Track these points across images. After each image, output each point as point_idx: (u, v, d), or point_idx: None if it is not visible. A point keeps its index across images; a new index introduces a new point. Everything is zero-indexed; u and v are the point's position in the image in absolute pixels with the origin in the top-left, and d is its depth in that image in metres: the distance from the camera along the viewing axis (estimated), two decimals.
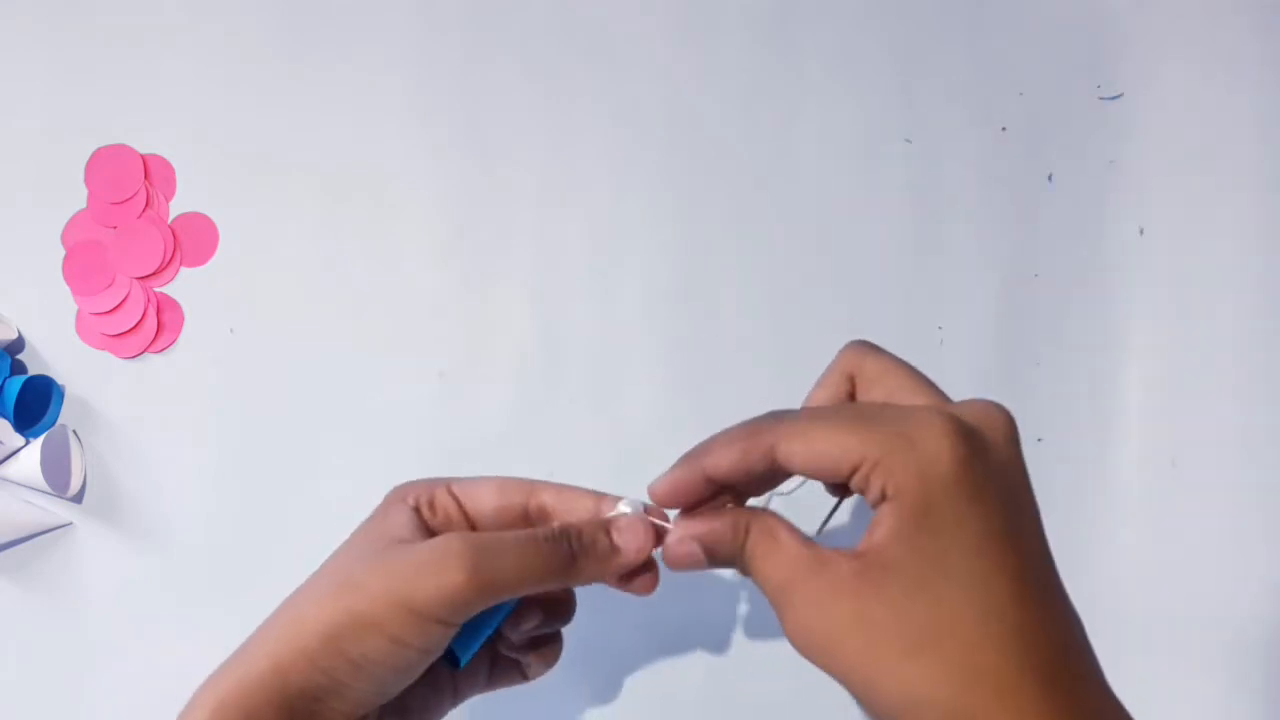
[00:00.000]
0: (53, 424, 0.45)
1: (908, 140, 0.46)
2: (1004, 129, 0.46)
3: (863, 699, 0.28)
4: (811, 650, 0.29)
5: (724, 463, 0.30)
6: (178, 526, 0.45)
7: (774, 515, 0.30)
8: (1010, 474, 0.29)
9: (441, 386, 0.45)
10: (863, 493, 0.29)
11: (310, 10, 0.47)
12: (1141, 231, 0.45)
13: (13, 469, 0.44)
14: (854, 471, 0.28)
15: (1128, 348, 0.45)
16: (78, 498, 0.45)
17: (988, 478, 0.28)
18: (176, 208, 0.47)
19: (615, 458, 0.44)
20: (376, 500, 0.45)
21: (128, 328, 0.46)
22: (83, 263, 0.46)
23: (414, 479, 0.34)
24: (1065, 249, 0.45)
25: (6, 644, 0.45)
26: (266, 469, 0.45)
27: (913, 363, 0.45)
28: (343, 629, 0.29)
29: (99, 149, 0.47)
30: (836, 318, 0.45)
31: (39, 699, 0.44)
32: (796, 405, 0.44)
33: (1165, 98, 0.46)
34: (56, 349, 0.46)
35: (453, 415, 0.43)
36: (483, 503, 0.34)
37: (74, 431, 0.46)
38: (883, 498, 0.28)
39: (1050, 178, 0.46)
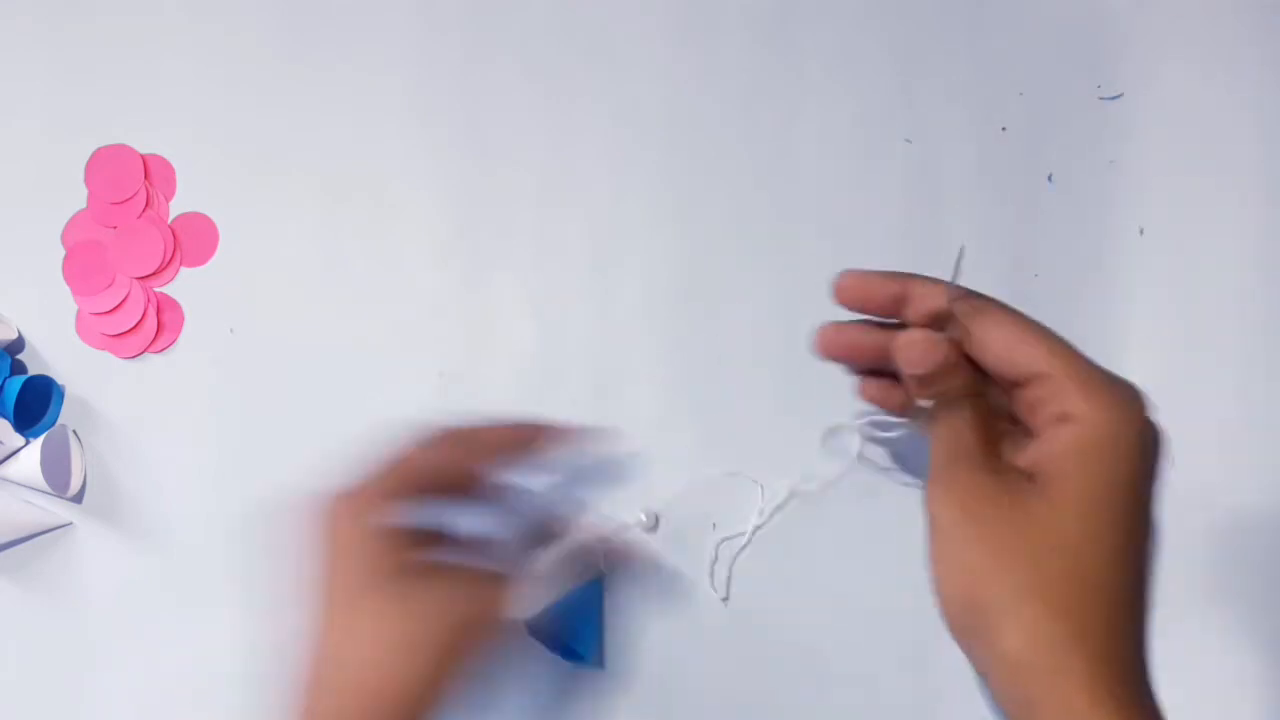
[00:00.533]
0: (53, 424, 0.45)
1: (908, 140, 0.46)
2: (1004, 129, 0.46)
3: (959, 579, 0.29)
4: (944, 518, 0.29)
5: (927, 299, 0.31)
6: (178, 526, 0.45)
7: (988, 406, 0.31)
8: (1158, 479, 0.30)
9: (441, 386, 0.45)
10: (1025, 406, 0.30)
11: (310, 10, 0.47)
12: (1141, 231, 0.45)
13: (13, 469, 0.44)
14: (1035, 380, 0.29)
15: (1128, 348, 0.45)
16: (78, 498, 0.45)
17: (1156, 463, 0.29)
18: (176, 208, 0.47)
19: (616, 458, 0.44)
20: None
21: (128, 328, 0.46)
22: (83, 263, 0.47)
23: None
24: (1065, 249, 0.45)
25: (6, 644, 0.45)
26: (266, 469, 0.45)
27: None
28: None
29: (99, 149, 0.47)
30: (836, 318, 0.45)
31: (39, 699, 0.44)
32: (798, 406, 0.44)
33: (1165, 98, 0.46)
34: (56, 349, 0.46)
35: (453, 415, 0.43)
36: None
37: (74, 431, 0.46)
38: (1062, 419, 0.28)
39: (1050, 178, 0.46)
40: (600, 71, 0.47)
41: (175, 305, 0.46)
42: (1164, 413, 0.41)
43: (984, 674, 0.29)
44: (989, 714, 0.42)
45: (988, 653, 0.29)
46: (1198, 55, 0.46)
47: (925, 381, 0.31)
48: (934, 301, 0.31)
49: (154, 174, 0.47)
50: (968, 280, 0.45)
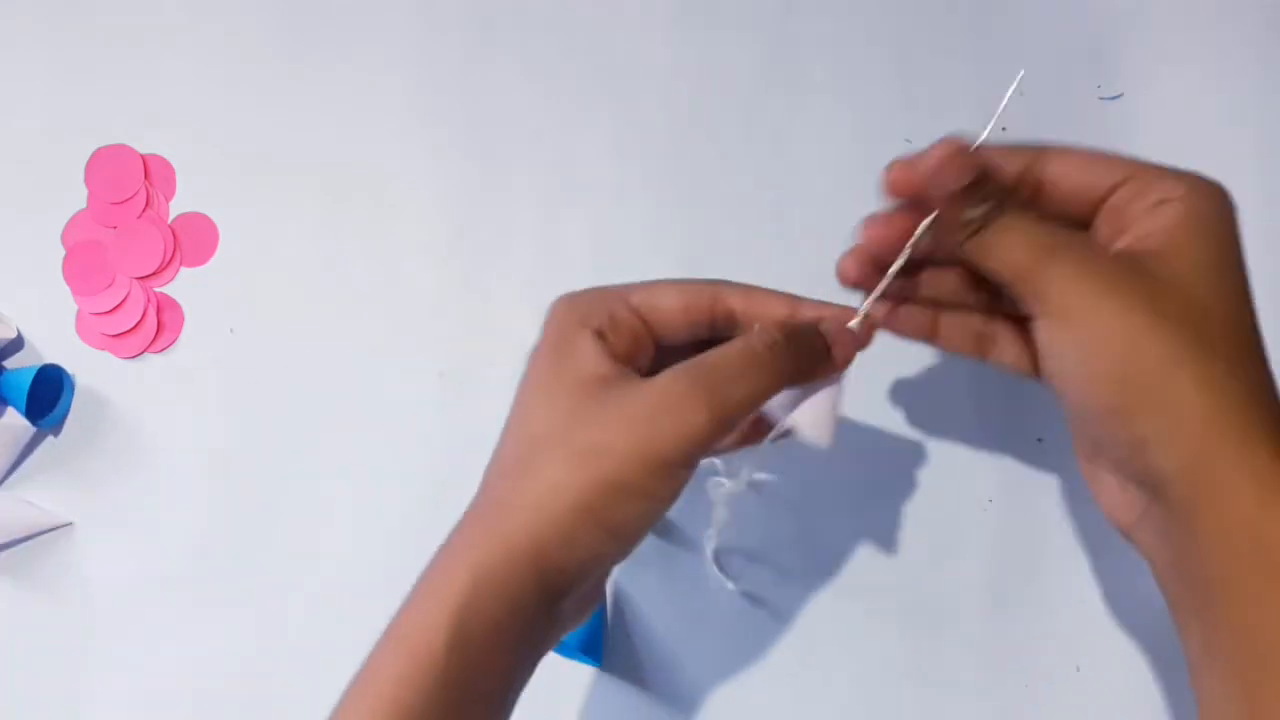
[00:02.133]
0: (64, 414, 0.45)
1: (908, 140, 0.46)
2: (1004, 129, 0.46)
3: (1116, 353, 0.28)
4: (1074, 295, 0.28)
5: (999, 159, 0.31)
6: (178, 526, 0.45)
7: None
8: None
9: (441, 386, 0.45)
10: (1120, 211, 0.30)
11: (310, 10, 0.47)
12: None
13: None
14: (1121, 184, 0.30)
15: None
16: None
17: (1238, 235, 0.30)
18: (176, 208, 0.47)
19: None
20: (375, 498, 0.45)
21: (128, 328, 0.46)
22: (83, 263, 0.47)
23: (576, 291, 0.33)
24: None
25: (6, 644, 0.45)
26: (266, 469, 0.45)
27: (912, 363, 0.45)
28: (601, 499, 0.28)
29: (99, 149, 0.47)
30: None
31: (39, 699, 0.44)
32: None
33: (1165, 98, 0.46)
34: (56, 349, 0.46)
35: (453, 415, 0.43)
36: (666, 313, 0.33)
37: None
38: (1162, 203, 0.29)
39: None
40: (600, 71, 0.47)
41: (175, 305, 0.46)
42: None
43: (1142, 447, 0.28)
44: (988, 693, 0.42)
45: (1153, 419, 0.28)
46: (1198, 55, 0.46)
47: (970, 190, 0.30)
48: (994, 154, 0.31)
49: (154, 174, 0.47)
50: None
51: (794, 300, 0.34)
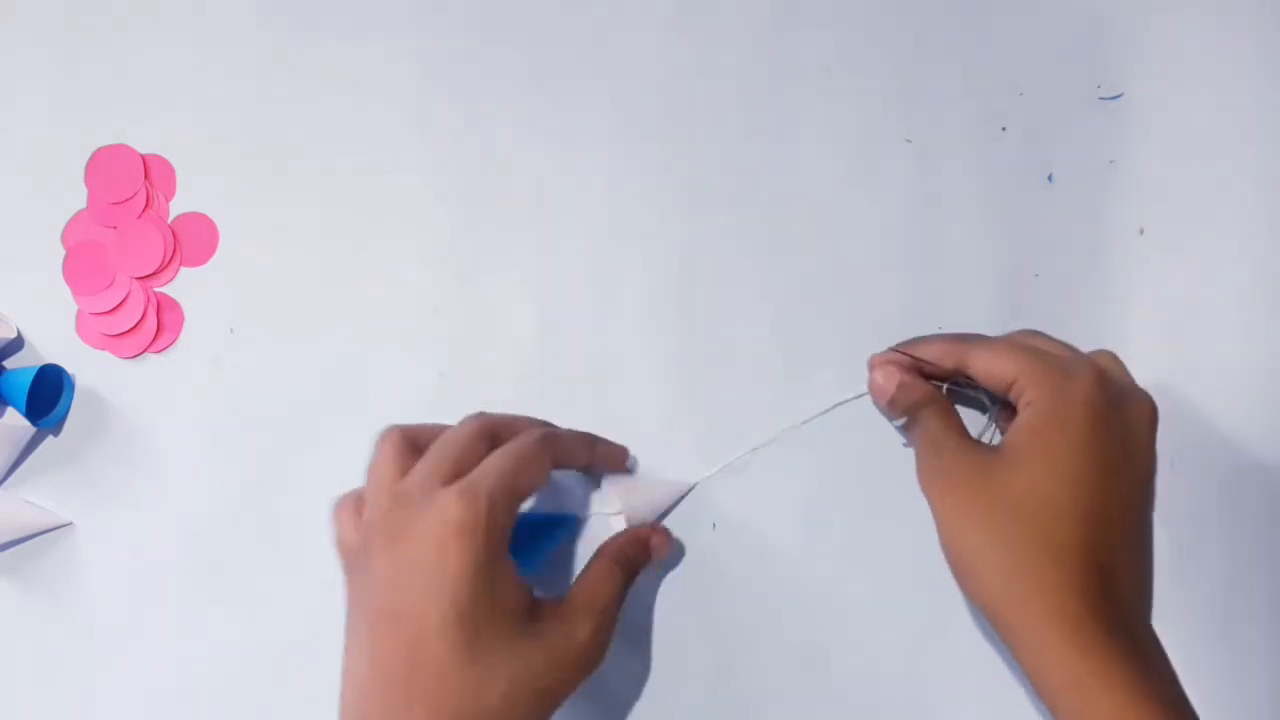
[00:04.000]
0: (64, 415, 0.45)
1: (908, 140, 0.46)
2: (1004, 129, 0.46)
3: (948, 536, 0.37)
4: (932, 492, 0.38)
5: (927, 350, 0.41)
6: (178, 526, 0.45)
7: (951, 407, 0.41)
8: (1133, 440, 0.37)
9: (441, 386, 0.45)
10: (1015, 402, 0.38)
11: (311, 10, 0.47)
12: (1141, 231, 0.45)
13: None
14: (1011, 385, 0.37)
15: (1128, 348, 0.45)
16: None
17: (1109, 426, 0.36)
18: (176, 208, 0.47)
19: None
20: None
21: (128, 328, 0.46)
22: (83, 263, 0.47)
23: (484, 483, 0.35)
24: (1065, 249, 0.45)
25: (6, 644, 0.45)
26: (266, 469, 0.45)
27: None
28: None
29: (99, 149, 0.47)
30: (836, 317, 0.45)
31: (38, 699, 0.44)
32: (795, 403, 0.44)
33: (1165, 98, 0.46)
34: (56, 349, 0.46)
35: (453, 415, 0.43)
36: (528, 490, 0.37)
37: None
38: (1025, 404, 0.37)
39: (1050, 178, 0.46)
40: (600, 71, 0.47)
41: (175, 305, 0.46)
42: (1163, 414, 0.42)
43: (979, 610, 0.36)
44: (988, 693, 0.42)
45: (975, 593, 0.36)
46: (1198, 55, 0.46)
47: (892, 405, 0.41)
48: (930, 350, 0.41)
49: (154, 174, 0.47)
50: (968, 280, 0.45)
51: (593, 442, 0.42)
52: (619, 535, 0.41)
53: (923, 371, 0.41)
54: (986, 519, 0.35)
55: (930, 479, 0.38)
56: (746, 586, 0.43)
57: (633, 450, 0.44)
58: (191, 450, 0.45)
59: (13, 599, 0.45)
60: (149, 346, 0.46)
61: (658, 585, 0.44)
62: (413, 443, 0.37)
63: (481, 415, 0.38)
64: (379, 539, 0.34)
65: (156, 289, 0.46)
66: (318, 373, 0.46)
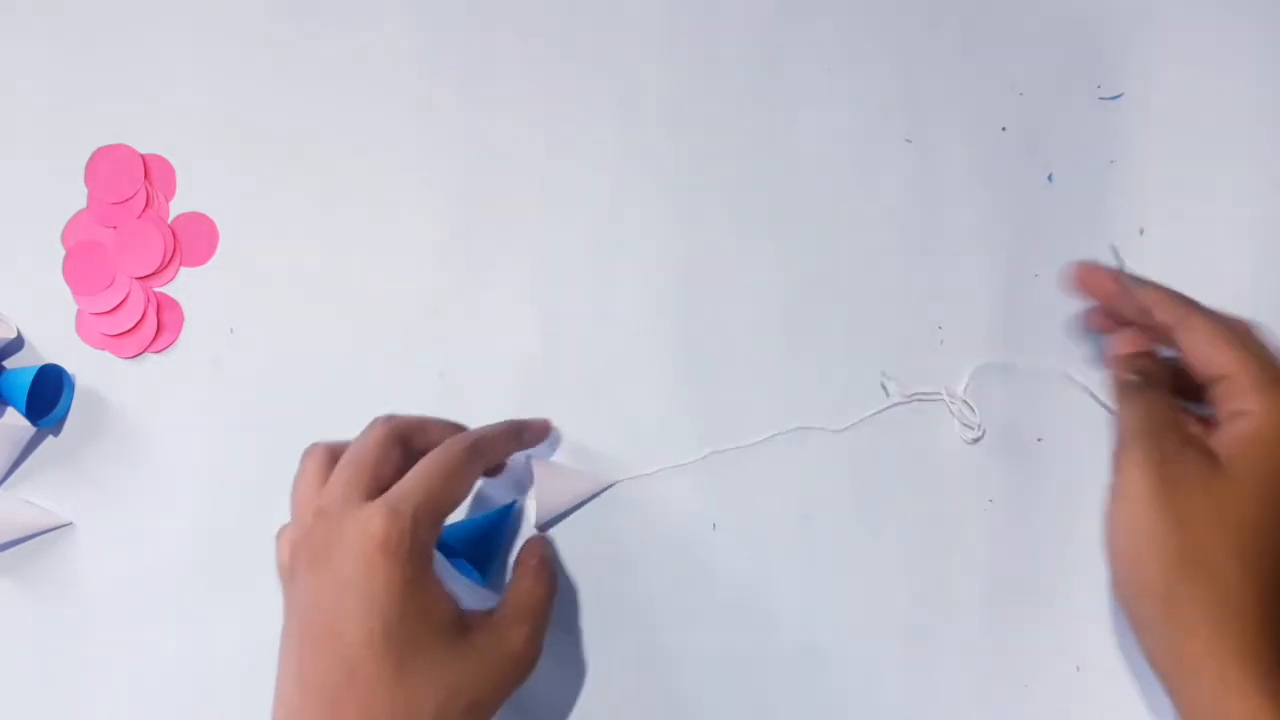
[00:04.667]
0: (64, 414, 0.46)
1: (908, 140, 0.46)
2: (1004, 129, 0.46)
3: (1144, 541, 0.33)
4: (1143, 485, 0.34)
5: (1144, 302, 0.37)
6: (178, 526, 0.45)
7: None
8: None
9: (441, 386, 0.45)
10: (1214, 400, 0.34)
11: (311, 10, 0.47)
12: (1141, 231, 0.45)
13: None
14: (1223, 379, 0.34)
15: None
16: None
17: None
18: (176, 208, 0.47)
19: (616, 457, 0.44)
20: None
21: (128, 328, 0.46)
22: (83, 263, 0.47)
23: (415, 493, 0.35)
24: (1065, 249, 0.45)
25: (6, 644, 0.45)
26: (266, 469, 0.45)
27: (913, 363, 0.45)
28: None
29: (99, 149, 0.47)
30: (836, 317, 0.45)
31: (38, 699, 0.44)
32: (795, 403, 0.44)
33: (1165, 98, 0.46)
34: (56, 349, 0.46)
35: (453, 415, 0.43)
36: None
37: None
38: (1239, 414, 0.33)
39: (1050, 178, 0.46)
40: (600, 71, 0.47)
41: (175, 305, 0.46)
42: None
43: (1143, 629, 0.34)
44: (988, 693, 0.42)
45: (1152, 610, 0.33)
46: (1198, 55, 0.46)
47: (1117, 363, 0.38)
48: (1149, 297, 0.37)
49: (154, 174, 0.47)
50: (968, 280, 0.45)
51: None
52: (536, 540, 0.41)
53: (1118, 313, 0.39)
54: (1199, 534, 0.33)
55: (1142, 466, 0.34)
56: (746, 586, 0.43)
57: (633, 449, 0.44)
58: (191, 450, 0.45)
59: (13, 599, 0.45)
60: (149, 346, 0.46)
61: (658, 585, 0.44)
62: (336, 457, 0.37)
63: (390, 419, 0.38)
64: (304, 557, 0.34)
65: (156, 289, 0.46)
66: (317, 373, 0.46)
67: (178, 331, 0.46)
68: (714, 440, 0.44)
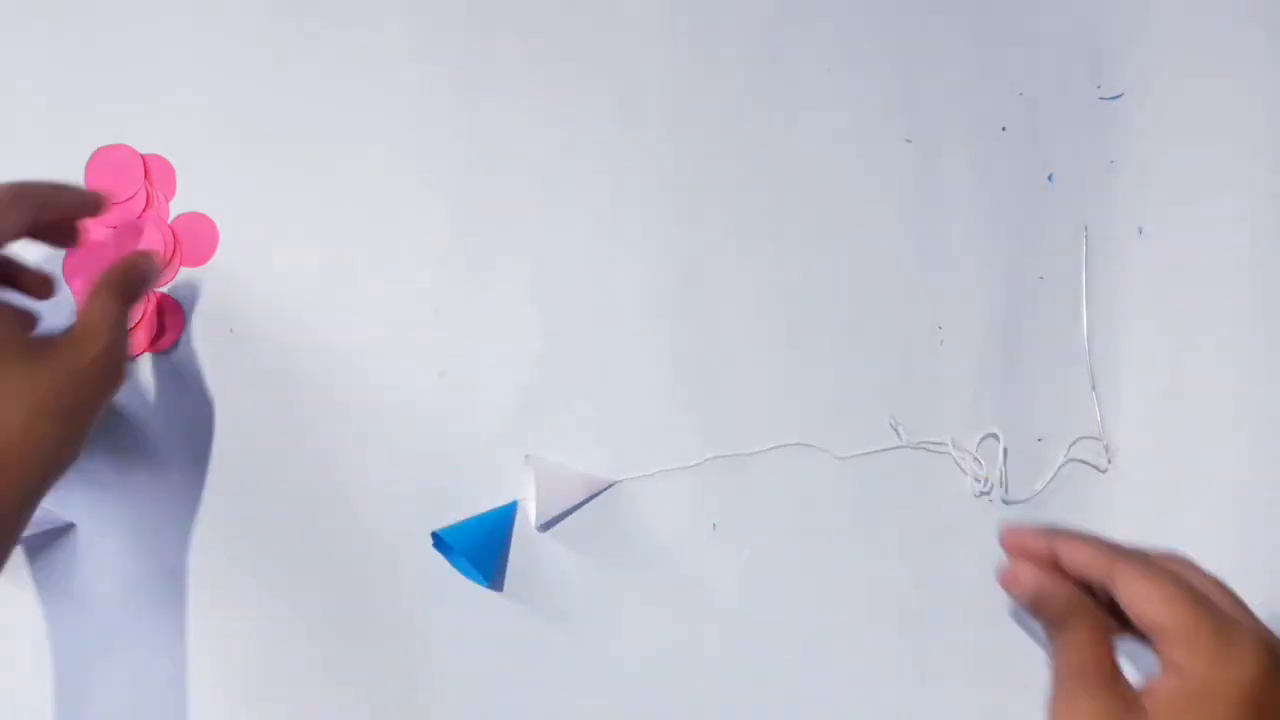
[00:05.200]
0: None
1: (908, 140, 0.46)
2: (1004, 129, 0.46)
3: None
4: None
5: (1073, 558, 0.35)
6: (178, 527, 0.45)
7: (1101, 618, 0.36)
8: None
9: (441, 386, 0.45)
10: (1154, 647, 0.33)
11: (311, 10, 0.47)
12: (1141, 231, 0.45)
13: None
14: (1157, 631, 0.33)
15: (1128, 348, 0.45)
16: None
17: (1267, 715, 0.32)
18: (176, 208, 0.47)
19: (616, 457, 0.44)
20: (373, 499, 0.45)
21: None
22: (83, 262, 0.47)
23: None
24: (1065, 249, 0.45)
25: (7, 644, 0.45)
26: (266, 469, 0.45)
27: (912, 363, 0.45)
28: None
29: (99, 149, 0.47)
30: (836, 318, 0.45)
31: (38, 699, 0.44)
32: (795, 405, 0.44)
33: (1165, 98, 0.46)
34: None
35: (453, 415, 0.43)
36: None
37: None
38: (1170, 668, 0.32)
39: (1050, 178, 0.46)
40: (600, 71, 0.47)
41: (175, 305, 0.46)
42: (1164, 413, 0.42)
43: None
44: (988, 693, 0.42)
45: None
46: (1198, 55, 0.46)
47: (1034, 609, 0.37)
48: (1077, 558, 0.36)
49: (154, 174, 0.47)
50: (968, 280, 0.45)
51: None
52: (122, 264, 0.42)
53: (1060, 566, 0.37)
54: None
55: (1063, 713, 0.34)
56: (746, 586, 0.44)
57: (633, 450, 0.44)
58: (191, 450, 0.45)
59: (13, 599, 0.45)
60: (149, 346, 0.46)
61: (658, 585, 0.44)
62: None
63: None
64: None
65: (156, 289, 0.46)
66: (317, 373, 0.46)
67: (178, 331, 0.46)
68: (713, 440, 0.44)
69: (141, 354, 0.46)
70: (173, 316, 0.46)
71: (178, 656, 0.44)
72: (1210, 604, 0.33)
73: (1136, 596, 0.34)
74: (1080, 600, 0.36)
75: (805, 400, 0.44)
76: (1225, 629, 0.32)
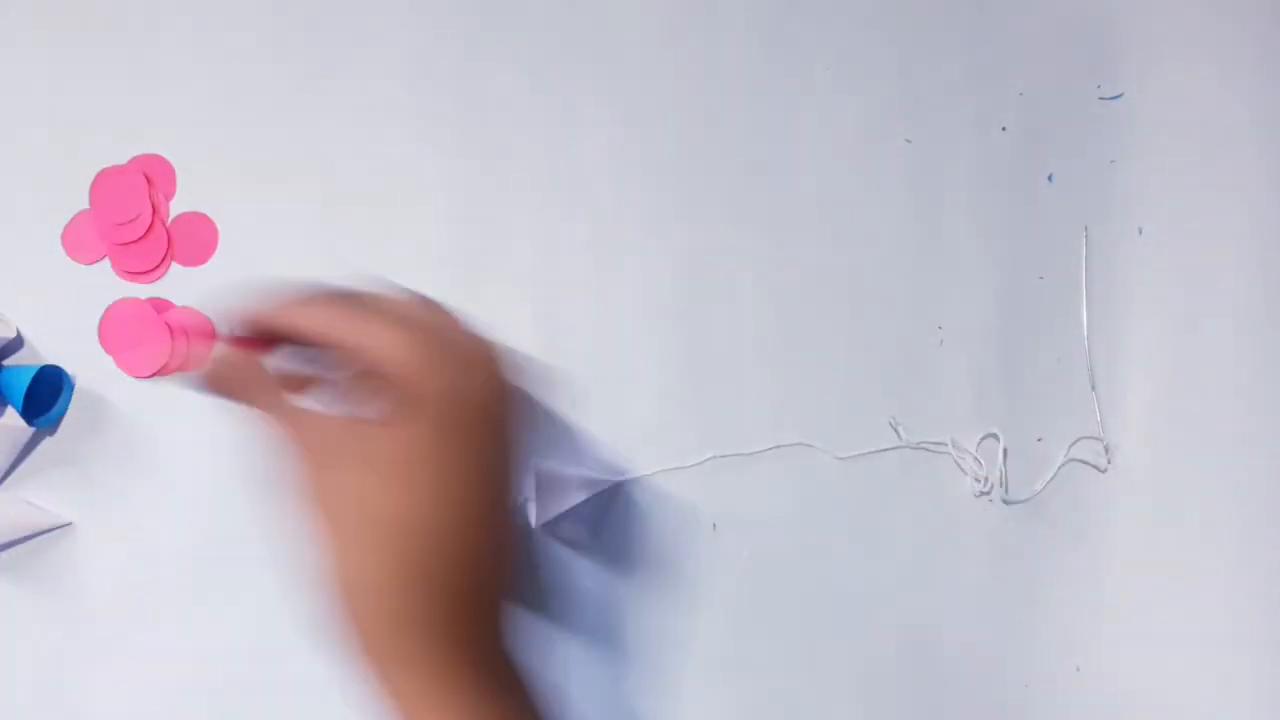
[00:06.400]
0: (62, 415, 0.45)
1: (908, 140, 0.46)
2: (1004, 129, 0.46)
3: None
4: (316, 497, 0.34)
5: (305, 328, 0.34)
6: (178, 527, 0.45)
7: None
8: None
9: None
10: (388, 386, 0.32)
11: (311, 11, 0.47)
12: (1141, 231, 0.45)
13: None
14: (397, 365, 0.32)
15: (1128, 348, 0.45)
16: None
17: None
18: (176, 208, 0.47)
19: (616, 458, 0.44)
20: None
21: None
22: (120, 333, 0.46)
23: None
24: (1065, 249, 0.45)
25: (5, 644, 0.45)
26: (266, 469, 0.45)
27: (912, 363, 0.45)
28: None
29: (103, 170, 0.47)
30: (836, 317, 0.45)
31: (38, 699, 0.44)
32: (795, 405, 0.44)
33: (1165, 98, 0.46)
34: (57, 349, 0.46)
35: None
36: None
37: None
38: (414, 400, 0.31)
39: (1050, 178, 0.46)
40: (600, 71, 0.47)
41: (174, 306, 0.46)
42: (1164, 413, 0.42)
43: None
44: (988, 693, 0.42)
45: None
46: (1198, 55, 0.46)
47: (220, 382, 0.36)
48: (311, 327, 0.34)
49: (154, 174, 0.47)
50: (968, 280, 0.45)
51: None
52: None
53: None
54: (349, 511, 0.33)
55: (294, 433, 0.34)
56: (746, 586, 0.44)
57: (633, 450, 0.44)
58: (191, 450, 0.45)
59: (13, 599, 0.45)
60: (180, 367, 0.46)
61: (658, 585, 0.44)
62: None
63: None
64: None
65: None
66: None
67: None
68: (713, 440, 0.44)
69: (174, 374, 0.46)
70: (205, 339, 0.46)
71: (177, 656, 0.44)
72: (440, 333, 0.33)
73: (319, 318, 0.33)
74: (258, 368, 0.35)
75: (805, 400, 0.44)
76: (456, 352, 0.33)
